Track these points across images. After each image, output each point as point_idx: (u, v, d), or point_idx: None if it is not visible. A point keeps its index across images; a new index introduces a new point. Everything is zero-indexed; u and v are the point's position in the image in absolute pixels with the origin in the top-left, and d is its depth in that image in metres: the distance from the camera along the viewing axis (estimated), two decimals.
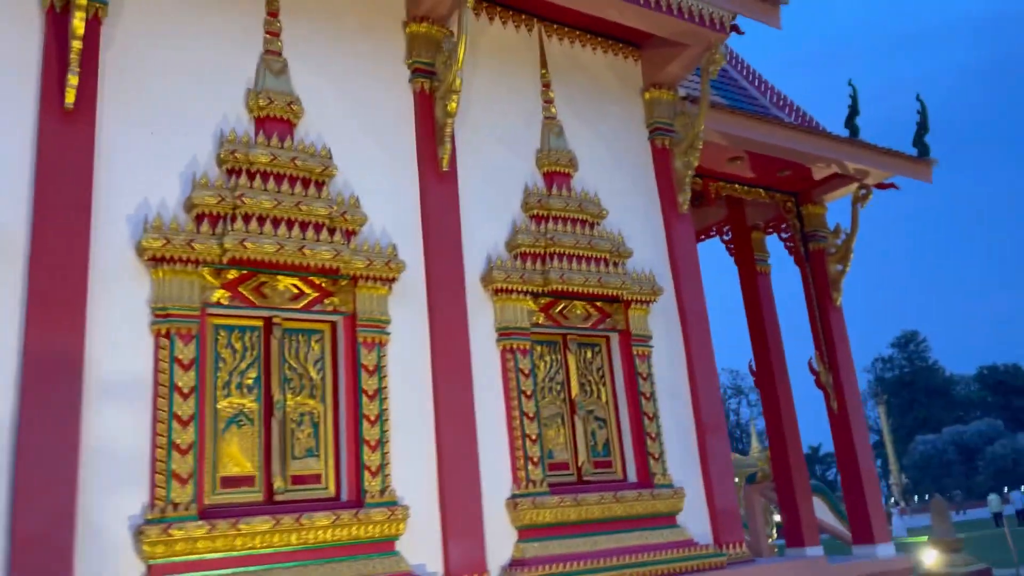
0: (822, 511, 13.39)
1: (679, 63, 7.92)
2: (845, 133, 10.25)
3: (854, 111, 10.73)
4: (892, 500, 67.92)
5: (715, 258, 13.12)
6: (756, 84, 11.88)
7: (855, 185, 10.45)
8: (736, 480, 11.52)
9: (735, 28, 8.21)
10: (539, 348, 6.84)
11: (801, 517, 10.53)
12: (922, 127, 10.59)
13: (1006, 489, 45.94)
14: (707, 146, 9.19)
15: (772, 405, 10.97)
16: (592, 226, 7.14)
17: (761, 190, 10.67)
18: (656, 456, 6.89)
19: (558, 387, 6.86)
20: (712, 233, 12.29)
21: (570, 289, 6.69)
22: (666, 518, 6.80)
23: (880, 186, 10.74)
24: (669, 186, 7.95)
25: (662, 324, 7.48)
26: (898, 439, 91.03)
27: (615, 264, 7.11)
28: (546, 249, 6.76)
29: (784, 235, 11.09)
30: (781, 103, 11.53)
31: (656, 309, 7.45)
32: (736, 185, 10.43)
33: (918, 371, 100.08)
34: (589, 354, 7.12)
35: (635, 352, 7.11)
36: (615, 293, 6.94)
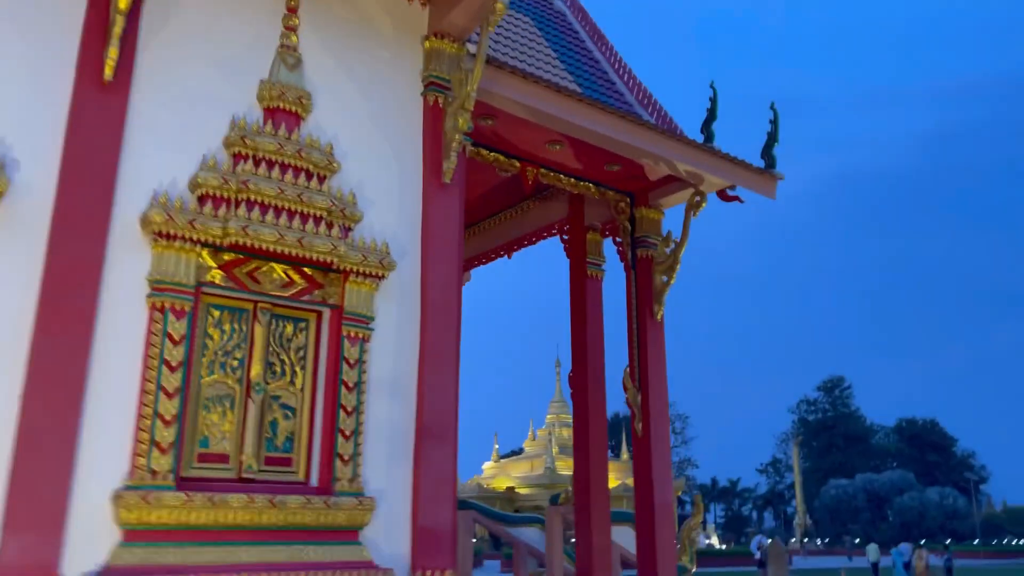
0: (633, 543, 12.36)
1: (462, 10, 6.81)
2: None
3: (711, 115, 9.83)
4: (793, 540, 68.02)
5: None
6: (625, 79, 10.93)
7: (691, 191, 9.50)
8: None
9: None
10: (217, 314, 5.65)
11: (593, 546, 9.52)
12: (772, 138, 9.69)
13: (901, 542, 45.97)
14: (520, 124, 8.18)
15: (582, 419, 9.98)
16: (315, 178, 5.99)
17: (591, 184, 9.66)
18: (346, 458, 5.74)
19: (236, 363, 5.67)
20: (554, 231, 11.28)
21: (259, 246, 5.52)
22: (345, 532, 5.65)
23: (725, 197, 9.81)
24: (436, 150, 6.84)
25: (395, 306, 6.35)
26: (813, 481, 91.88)
27: (333, 226, 5.96)
28: (237, 194, 5.58)
29: (619, 239, 10.10)
30: (646, 101, 10.59)
31: (389, 288, 6.32)
32: (562, 176, 9.40)
33: (840, 416, 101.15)
34: (290, 329, 5.95)
35: (345, 333, 5.96)
36: (325, 259, 5.79)
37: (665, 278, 9.53)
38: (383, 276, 6.17)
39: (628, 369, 9.49)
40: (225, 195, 5.55)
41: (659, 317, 9.54)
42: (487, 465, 55.11)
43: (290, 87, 6.07)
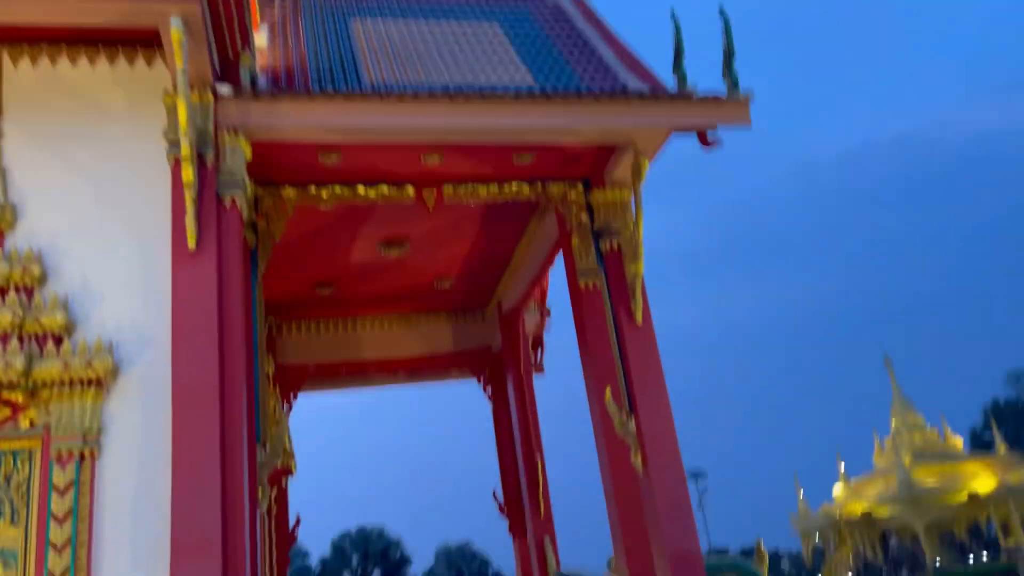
0: None
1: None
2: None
3: (679, 49, 7.82)
4: None
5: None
6: (613, 48, 9.23)
7: (632, 155, 7.47)
8: None
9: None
10: None
11: None
12: (728, 53, 7.40)
13: None
14: (368, 149, 7.05)
15: (614, 457, 8.01)
16: (21, 292, 5.39)
17: (523, 184, 8.01)
18: None
19: None
20: (557, 246, 9.60)
21: None
22: None
23: (704, 141, 7.59)
24: (182, 214, 5.91)
25: (139, 407, 5.43)
26: None
27: (10, 340, 5.25)
28: None
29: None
30: (632, 65, 8.80)
31: (128, 388, 5.44)
32: (479, 186, 7.90)
33: None
34: (9, 464, 5.28)
35: (54, 455, 5.16)
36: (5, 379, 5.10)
37: (635, 269, 7.50)
38: (100, 380, 5.31)
39: (613, 390, 7.48)
40: None
41: (638, 319, 7.48)
42: (836, 489, 50.00)
43: None
